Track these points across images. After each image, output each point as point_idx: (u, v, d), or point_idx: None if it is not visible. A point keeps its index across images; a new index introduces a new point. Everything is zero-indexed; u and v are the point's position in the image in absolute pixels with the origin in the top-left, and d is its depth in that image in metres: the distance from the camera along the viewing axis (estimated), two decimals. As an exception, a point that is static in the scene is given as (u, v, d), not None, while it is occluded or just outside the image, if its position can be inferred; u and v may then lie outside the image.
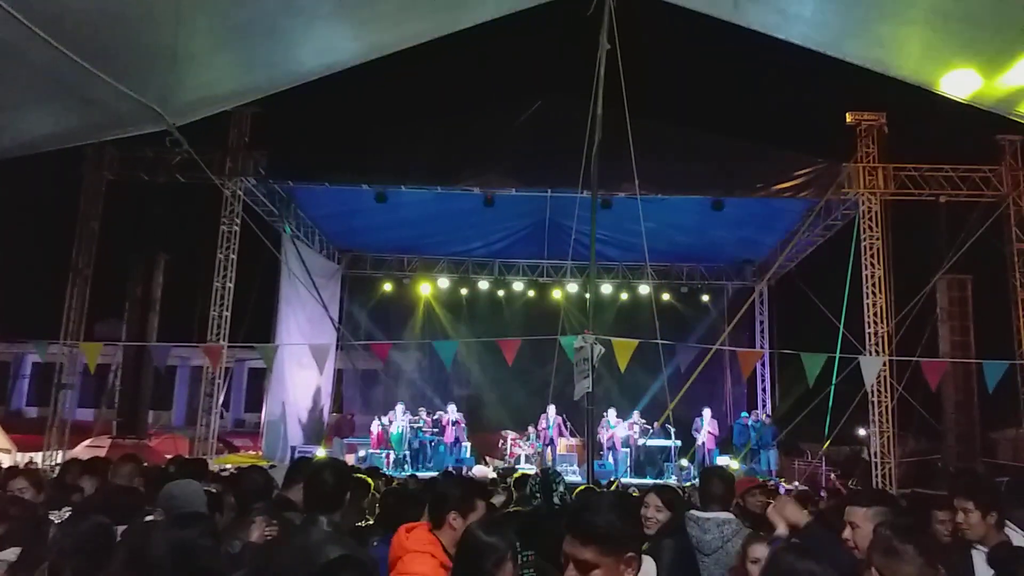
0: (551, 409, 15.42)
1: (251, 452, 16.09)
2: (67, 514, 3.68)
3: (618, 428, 15.87)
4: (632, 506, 4.44)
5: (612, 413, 15.91)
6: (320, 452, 15.00)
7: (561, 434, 15.89)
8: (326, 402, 18.34)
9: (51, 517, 3.67)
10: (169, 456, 9.34)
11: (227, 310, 13.63)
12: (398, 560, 3.16)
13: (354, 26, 8.34)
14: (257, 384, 21.43)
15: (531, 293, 19.38)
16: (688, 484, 11.59)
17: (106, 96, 7.17)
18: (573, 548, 2.07)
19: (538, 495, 5.25)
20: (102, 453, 10.99)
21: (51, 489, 5.13)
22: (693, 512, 4.15)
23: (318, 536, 3.09)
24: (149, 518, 3.78)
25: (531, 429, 16.05)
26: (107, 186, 13.94)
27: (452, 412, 16.06)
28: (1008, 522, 3.91)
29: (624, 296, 19.06)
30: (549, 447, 15.54)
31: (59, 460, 12.51)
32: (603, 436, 15.50)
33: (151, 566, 2.86)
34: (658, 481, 13.90)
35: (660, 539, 4.00)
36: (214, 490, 4.52)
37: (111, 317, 16.11)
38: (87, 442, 14.00)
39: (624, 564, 2.09)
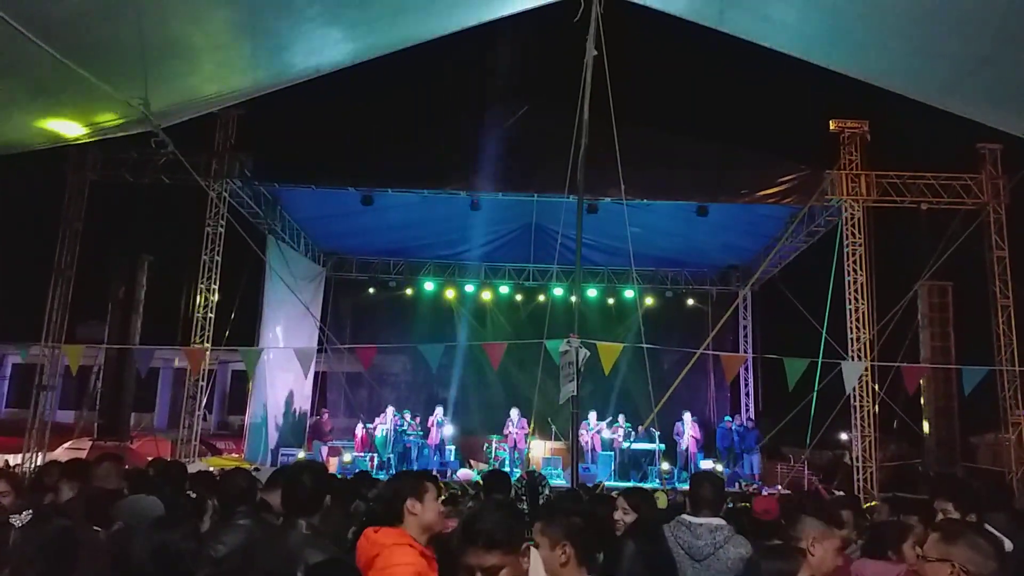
0: (514, 412, 15.48)
1: (234, 455, 16.01)
2: (28, 518, 3.63)
3: (601, 431, 15.91)
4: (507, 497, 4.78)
5: (593, 416, 15.93)
6: (301, 455, 14.96)
7: (528, 436, 15.91)
8: (308, 405, 18.29)
9: (12, 521, 3.62)
10: (151, 459, 9.27)
11: (211, 312, 13.57)
12: (374, 558, 3.11)
13: (343, 28, 8.33)
14: (240, 386, 21.29)
15: (517, 297, 19.40)
16: (669, 488, 11.64)
17: (91, 96, 7.13)
18: (478, 558, 2.16)
19: (524, 497, 5.29)
20: (83, 455, 10.88)
21: (28, 492, 5.08)
22: (684, 517, 4.16)
23: (297, 539, 3.09)
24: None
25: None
26: (90, 187, 13.82)
27: (438, 415, 16.04)
28: (987, 525, 3.98)
29: (610, 300, 19.13)
30: (515, 450, 15.52)
31: (39, 463, 12.40)
32: (585, 440, 15.54)
33: (134, 569, 2.84)
34: (641, 485, 13.95)
35: (623, 541, 4.02)
36: (193, 495, 4.51)
37: (93, 318, 15.97)
38: (67, 444, 13.88)
39: (522, 555, 2.24)
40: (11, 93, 7.11)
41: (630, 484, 14.04)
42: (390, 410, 16.13)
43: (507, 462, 15.44)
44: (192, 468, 7.82)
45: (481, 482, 11.39)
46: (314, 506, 3.26)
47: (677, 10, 8.86)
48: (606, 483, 13.57)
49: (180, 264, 14.22)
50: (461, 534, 2.23)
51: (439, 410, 16.21)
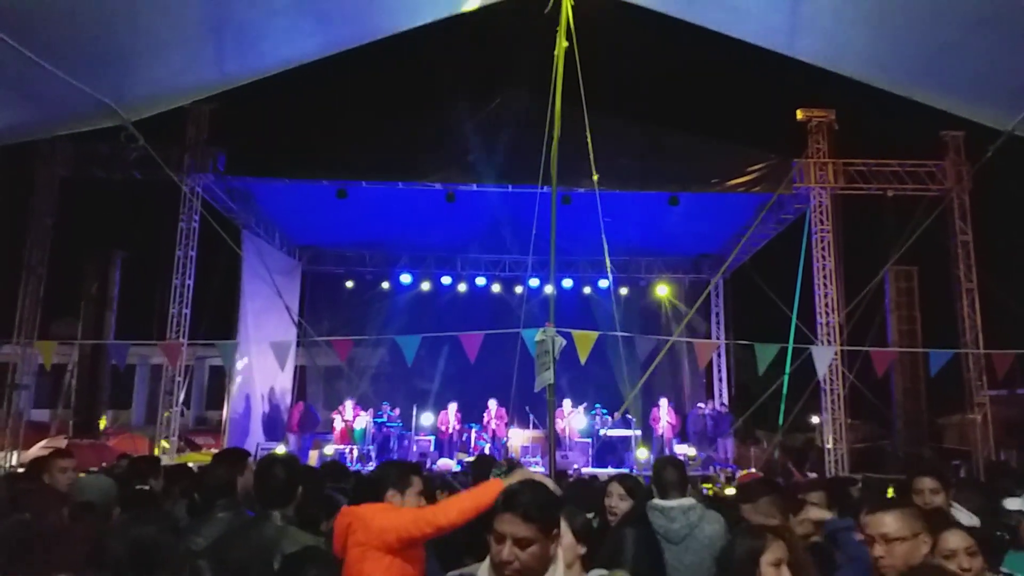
0: (492, 402, 15.65)
1: (213, 450, 15.95)
2: None
3: (574, 418, 16.09)
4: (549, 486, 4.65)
5: (568, 404, 16.09)
6: (281, 448, 14.97)
7: (508, 426, 16.08)
8: (288, 399, 18.27)
9: None
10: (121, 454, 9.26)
11: (187, 308, 13.49)
12: (347, 526, 3.06)
13: (314, 20, 8.32)
14: (219, 382, 21.20)
15: (494, 288, 19.46)
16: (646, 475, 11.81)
17: (58, 91, 7.07)
18: (513, 526, 2.18)
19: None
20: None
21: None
22: (656, 502, 4.15)
23: (271, 531, 3.13)
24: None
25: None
26: (61, 183, 13.68)
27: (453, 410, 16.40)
28: (954, 502, 4.11)
29: (585, 290, 19.25)
30: (494, 439, 15.68)
31: (13, 462, 12.31)
32: (561, 427, 15.70)
33: (110, 563, 2.82)
34: (620, 470, 14.11)
35: (622, 528, 3.99)
36: (148, 487, 4.53)
37: (66, 316, 15.81)
38: (43, 443, 13.76)
39: (552, 540, 2.26)
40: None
41: (608, 470, 14.23)
42: (349, 403, 16.21)
43: (485, 452, 15.54)
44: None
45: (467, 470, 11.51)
46: (287, 497, 3.30)
47: (646, 1, 8.98)
48: (582, 469, 13.74)
49: (154, 260, 14.14)
50: (503, 500, 2.26)
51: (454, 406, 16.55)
